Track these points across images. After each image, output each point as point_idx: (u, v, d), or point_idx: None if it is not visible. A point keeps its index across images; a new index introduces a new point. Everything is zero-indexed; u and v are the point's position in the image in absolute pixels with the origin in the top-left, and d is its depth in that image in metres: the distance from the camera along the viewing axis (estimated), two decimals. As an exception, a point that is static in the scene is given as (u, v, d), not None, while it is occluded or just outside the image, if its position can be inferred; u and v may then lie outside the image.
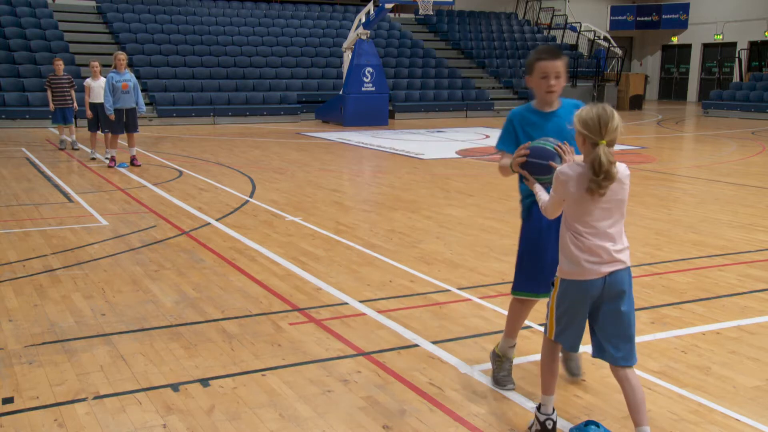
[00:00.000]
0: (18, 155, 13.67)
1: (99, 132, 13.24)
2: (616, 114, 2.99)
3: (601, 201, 3.07)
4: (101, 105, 12.71)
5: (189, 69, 22.84)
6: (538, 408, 3.40)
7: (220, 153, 14.47)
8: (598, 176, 2.98)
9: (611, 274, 3.15)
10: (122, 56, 12.08)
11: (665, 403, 3.80)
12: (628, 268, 3.21)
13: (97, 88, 13.01)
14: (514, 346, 4.05)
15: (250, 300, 5.43)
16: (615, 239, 3.15)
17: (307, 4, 29.81)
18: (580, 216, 3.12)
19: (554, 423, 3.37)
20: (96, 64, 13.27)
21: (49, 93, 14.13)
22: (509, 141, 3.83)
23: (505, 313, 5.17)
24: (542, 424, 3.36)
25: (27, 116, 19.37)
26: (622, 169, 3.07)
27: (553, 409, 3.40)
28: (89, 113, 13.22)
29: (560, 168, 3.18)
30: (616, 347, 3.19)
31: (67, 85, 14.14)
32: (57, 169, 11.88)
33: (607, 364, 3.31)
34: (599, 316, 3.22)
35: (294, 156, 14.20)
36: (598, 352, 3.27)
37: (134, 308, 5.23)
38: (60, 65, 14.29)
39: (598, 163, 2.96)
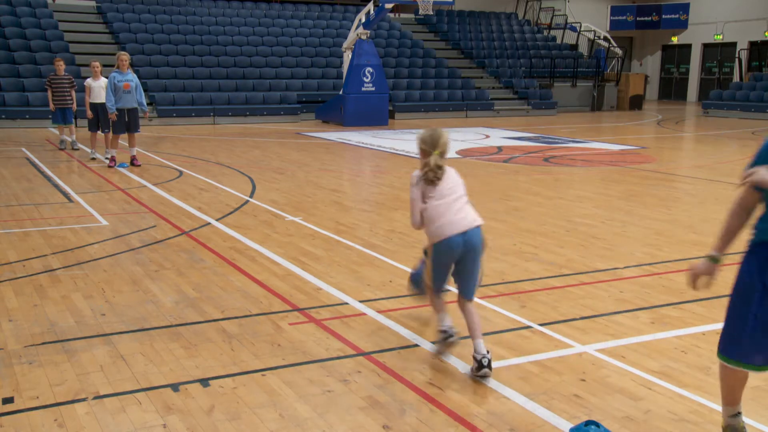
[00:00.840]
0: (18, 155, 13.67)
1: (99, 132, 13.24)
2: (444, 133, 4.28)
3: (441, 186, 4.21)
4: (101, 105, 12.73)
5: (189, 69, 22.85)
6: (444, 331, 4.37)
7: (220, 153, 14.47)
8: (426, 172, 4.19)
9: (468, 231, 4.17)
10: (125, 56, 12.05)
11: (665, 403, 3.80)
12: (480, 227, 4.26)
13: (98, 88, 13.00)
14: (739, 414, 3.32)
15: (250, 300, 5.44)
16: (463, 207, 4.25)
17: (307, 4, 29.81)
18: (432, 199, 4.22)
19: (452, 334, 4.36)
20: (97, 64, 13.26)
21: (49, 93, 14.11)
22: (760, 159, 3.04)
23: (505, 312, 5.18)
24: (445, 332, 4.38)
25: (27, 116, 19.37)
26: (450, 169, 4.30)
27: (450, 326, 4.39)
28: (89, 113, 13.20)
29: (412, 175, 4.28)
30: (467, 286, 4.28)
31: (67, 85, 14.12)
32: (57, 169, 11.88)
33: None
34: (459, 268, 4.27)
35: (294, 156, 14.20)
36: (457, 288, 4.35)
37: (134, 308, 5.24)
38: (61, 65, 14.24)
39: (429, 166, 4.18)
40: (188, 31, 24.73)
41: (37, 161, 12.77)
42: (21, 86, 20.16)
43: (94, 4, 25.34)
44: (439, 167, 4.20)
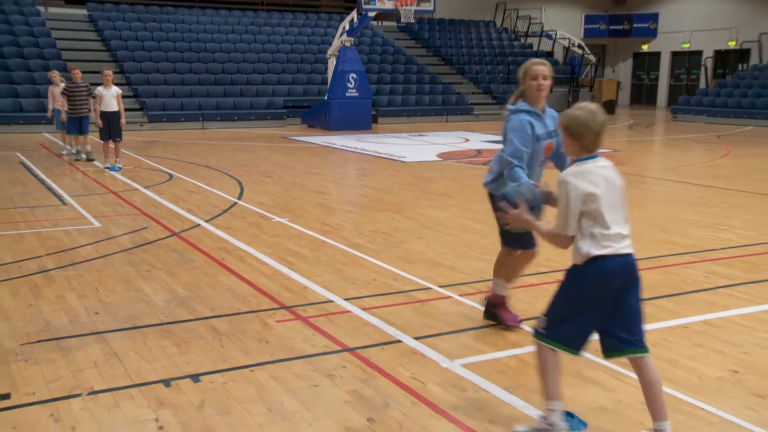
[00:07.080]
0: (12, 160, 13.68)
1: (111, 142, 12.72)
2: None
3: None
4: (113, 114, 12.43)
5: (178, 75, 22.94)
6: None
7: (209, 157, 14.55)
8: None
9: None
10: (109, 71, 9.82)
11: (635, 393, 3.91)
12: None
13: (109, 96, 12.45)
14: None
15: (239, 298, 5.54)
16: None
17: (292, 12, 29.91)
18: None
19: None
20: (109, 72, 12.67)
21: (64, 102, 13.33)
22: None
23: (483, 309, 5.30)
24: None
25: (21, 121, 19.39)
26: None
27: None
28: (99, 122, 12.53)
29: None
30: None
31: (84, 94, 13.37)
32: (50, 173, 11.92)
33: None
34: None
35: (281, 159, 14.31)
36: None
37: (127, 307, 5.33)
38: (77, 73, 13.42)
39: None
40: (178, 39, 24.80)
41: (31, 165, 12.81)
42: (14, 92, 20.18)
43: (85, 12, 25.36)
44: None
